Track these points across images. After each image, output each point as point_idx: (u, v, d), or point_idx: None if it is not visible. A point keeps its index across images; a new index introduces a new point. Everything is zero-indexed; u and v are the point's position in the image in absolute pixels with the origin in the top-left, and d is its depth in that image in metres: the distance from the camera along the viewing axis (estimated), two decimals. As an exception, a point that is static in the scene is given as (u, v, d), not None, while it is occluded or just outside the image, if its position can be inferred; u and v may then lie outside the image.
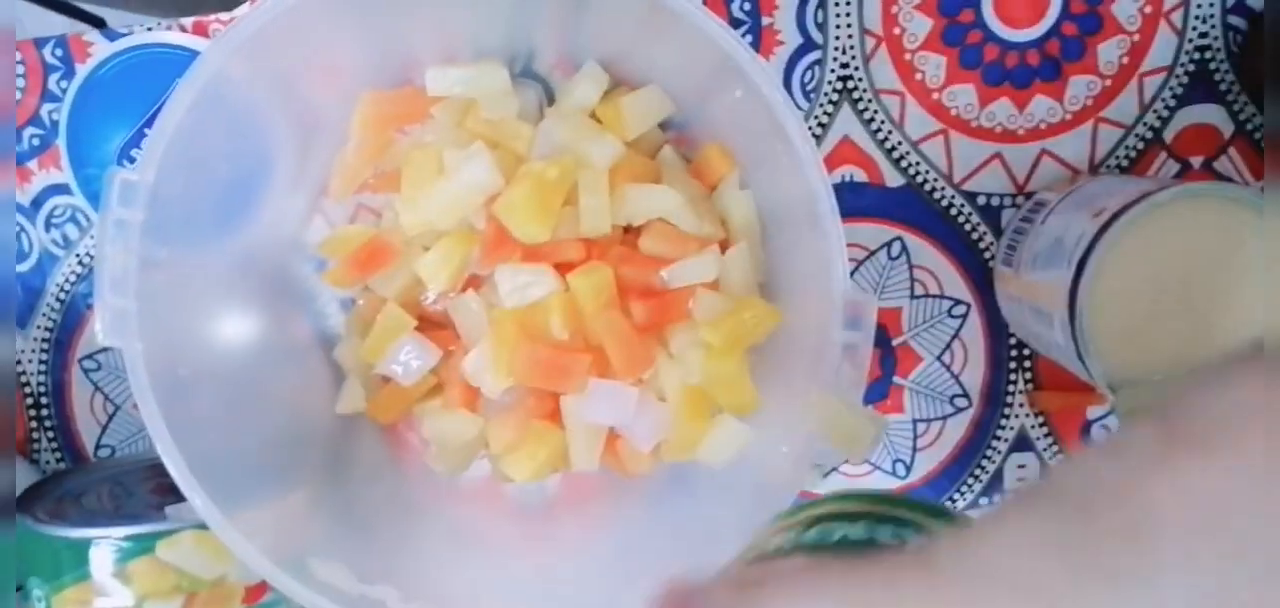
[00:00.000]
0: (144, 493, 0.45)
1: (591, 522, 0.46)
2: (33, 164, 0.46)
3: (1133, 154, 0.46)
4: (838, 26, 0.45)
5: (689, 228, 0.41)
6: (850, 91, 0.45)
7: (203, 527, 0.36)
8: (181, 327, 0.39)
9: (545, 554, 0.45)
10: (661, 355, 0.41)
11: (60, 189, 0.46)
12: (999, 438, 0.48)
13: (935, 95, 0.45)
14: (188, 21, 0.45)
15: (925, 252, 0.47)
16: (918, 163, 0.46)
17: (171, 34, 0.45)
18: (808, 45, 0.45)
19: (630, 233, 0.43)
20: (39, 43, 0.46)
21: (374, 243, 0.44)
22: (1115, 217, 0.37)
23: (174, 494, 0.37)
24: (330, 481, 0.44)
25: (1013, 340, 0.47)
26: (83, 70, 0.45)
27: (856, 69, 0.45)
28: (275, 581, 0.37)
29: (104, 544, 0.38)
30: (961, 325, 0.47)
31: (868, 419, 0.33)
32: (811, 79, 0.46)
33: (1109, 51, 0.45)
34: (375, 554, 0.41)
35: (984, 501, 0.48)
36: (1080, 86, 0.45)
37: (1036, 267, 0.41)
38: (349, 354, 0.45)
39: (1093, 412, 0.47)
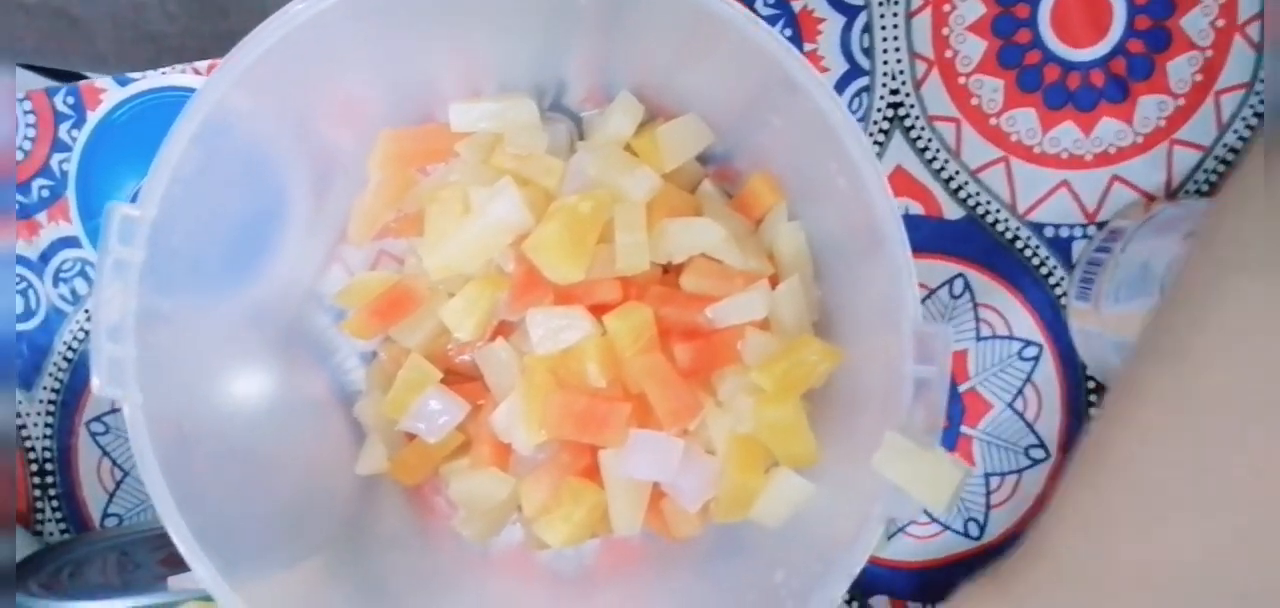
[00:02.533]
0: (152, 565, 0.42)
1: (634, 592, 0.42)
2: (41, 216, 0.44)
3: (1213, 177, 0.42)
4: (886, 51, 0.42)
5: (734, 263, 0.38)
6: (902, 119, 0.42)
7: (208, 599, 0.33)
8: (187, 383, 0.36)
9: (583, 628, 0.41)
10: (708, 403, 0.38)
11: (69, 242, 0.44)
12: (1079, 492, 0.43)
13: (993, 121, 0.42)
14: (203, 64, 0.43)
15: (990, 289, 0.43)
16: (978, 193, 0.43)
17: (185, 76, 0.43)
18: (854, 71, 0.42)
19: (670, 272, 0.40)
20: (50, 91, 0.44)
21: (396, 290, 0.41)
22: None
23: (183, 566, 0.34)
24: (349, 548, 0.40)
25: (1091, 383, 0.43)
26: (93, 117, 0.43)
27: (908, 95, 0.42)
28: (286, 659, 0.33)
29: (100, 621, 0.35)
30: (1034, 368, 0.43)
31: (950, 463, 0.30)
32: (859, 106, 0.43)
33: (1180, 69, 0.41)
34: (397, 629, 0.37)
35: (1065, 562, 0.44)
36: (1151, 107, 0.42)
37: (1120, 298, 0.37)
38: (370, 410, 0.42)
39: (1183, 461, 0.43)
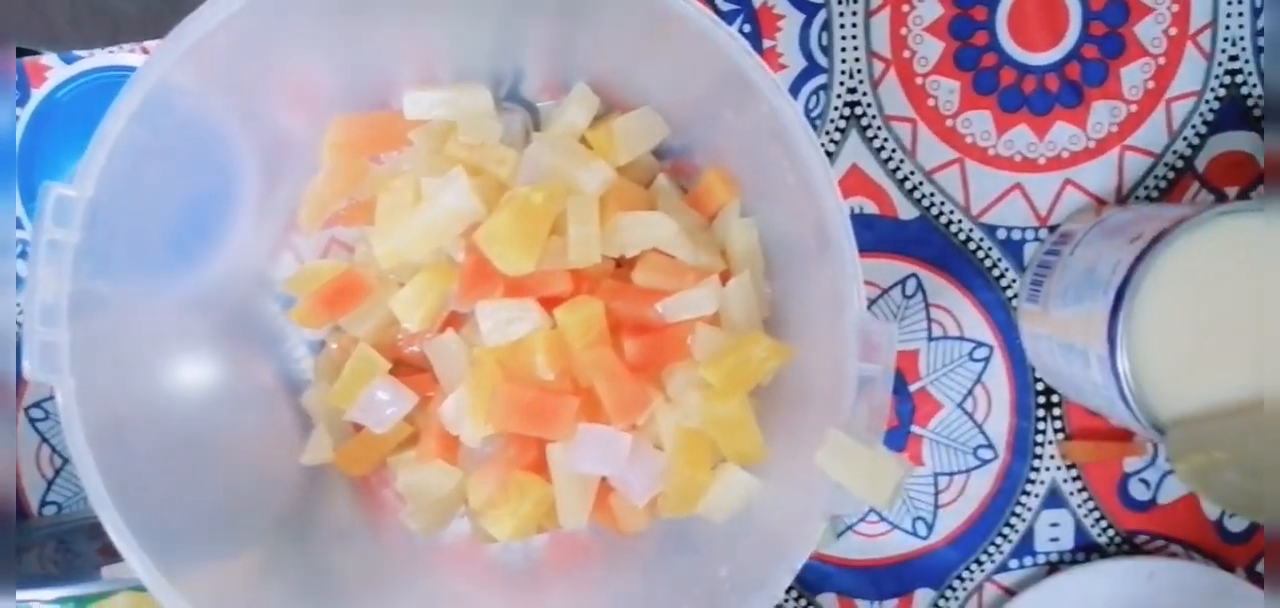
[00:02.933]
0: (90, 554, 0.41)
1: (581, 587, 0.42)
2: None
3: (1163, 183, 0.42)
4: (844, 50, 0.42)
5: (686, 258, 0.38)
6: (858, 118, 0.42)
7: (141, 589, 0.32)
8: (127, 368, 0.36)
9: (530, 623, 0.41)
10: (657, 398, 0.37)
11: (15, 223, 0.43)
12: (1029, 493, 0.44)
13: (949, 122, 0.42)
14: (153, 43, 0.42)
15: (943, 289, 0.43)
16: (932, 194, 0.43)
17: (135, 56, 0.42)
18: (812, 69, 0.42)
19: (622, 267, 0.40)
20: (-7, 68, 0.43)
21: (345, 278, 0.40)
22: (1155, 241, 0.33)
23: (120, 555, 0.33)
24: (293, 540, 0.40)
25: (1040, 385, 0.43)
26: (37, 95, 0.42)
27: (865, 94, 0.42)
28: (221, 651, 0.32)
29: (31, 609, 0.34)
30: (984, 369, 0.43)
31: (891, 462, 0.30)
32: (817, 105, 0.43)
33: (1133, 75, 0.42)
34: (339, 622, 0.37)
35: (1014, 563, 0.44)
36: (1104, 112, 0.42)
37: (1067, 301, 0.38)
38: (317, 400, 0.41)
39: (1130, 464, 0.44)
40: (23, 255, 0.43)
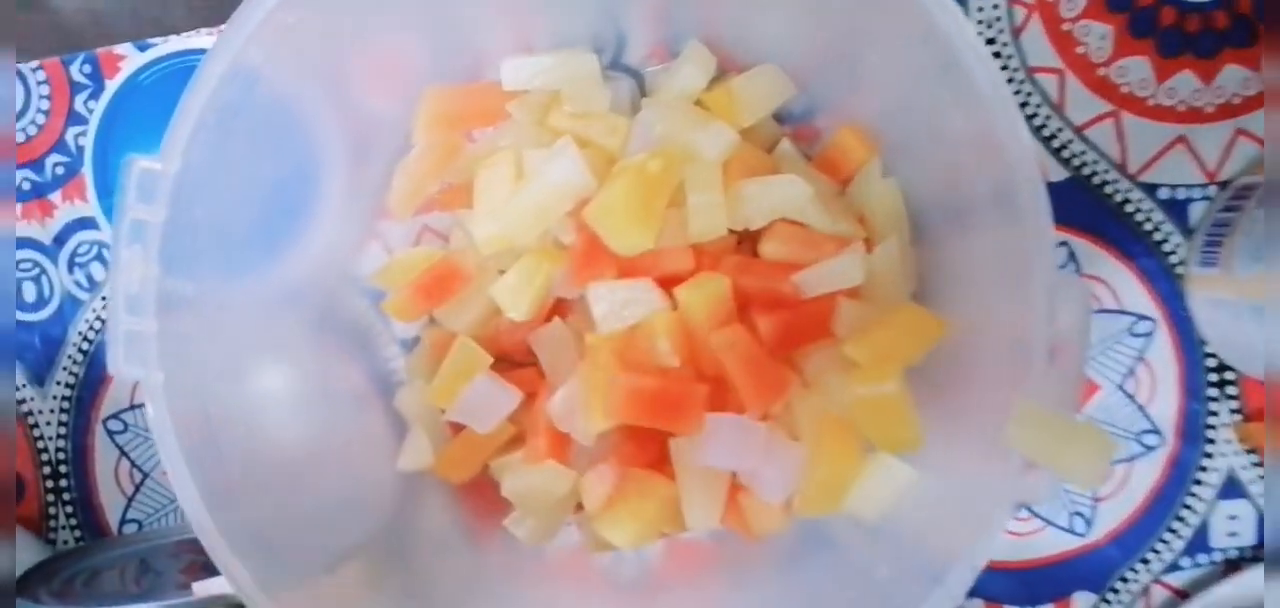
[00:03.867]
0: (173, 573, 0.38)
1: (705, 599, 0.38)
2: (56, 196, 0.41)
3: (1351, 128, 0.37)
4: (978, -4, 0.38)
5: (822, 226, 0.34)
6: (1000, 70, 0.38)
7: (236, 606, 0.29)
8: (214, 370, 0.33)
9: (650, 639, 0.37)
10: (794, 383, 0.33)
11: (85, 223, 0.41)
12: (1202, 483, 0.39)
13: (1101, 71, 0.38)
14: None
15: (1098, 258, 0.39)
16: (1083, 153, 0.38)
17: (211, 38, 0.39)
18: (945, 18, 0.38)
19: (745, 243, 0.36)
20: (66, 60, 0.40)
21: (441, 267, 0.37)
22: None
23: (207, 573, 0.30)
24: (391, 551, 0.36)
25: (1212, 362, 0.39)
26: (112, 86, 0.40)
27: (1006, 45, 0.38)
28: (326, 674, 0.29)
29: (118, 632, 0.31)
30: (1147, 345, 0.39)
31: (1097, 435, 0.25)
32: (950, 59, 0.38)
33: (1313, 7, 0.37)
34: (447, 640, 0.33)
35: (1187, 561, 0.39)
36: (1280, 50, 0.37)
37: (1262, 256, 0.33)
38: (413, 401, 0.38)
39: (1320, 446, 0.38)
40: (98, 257, 0.41)
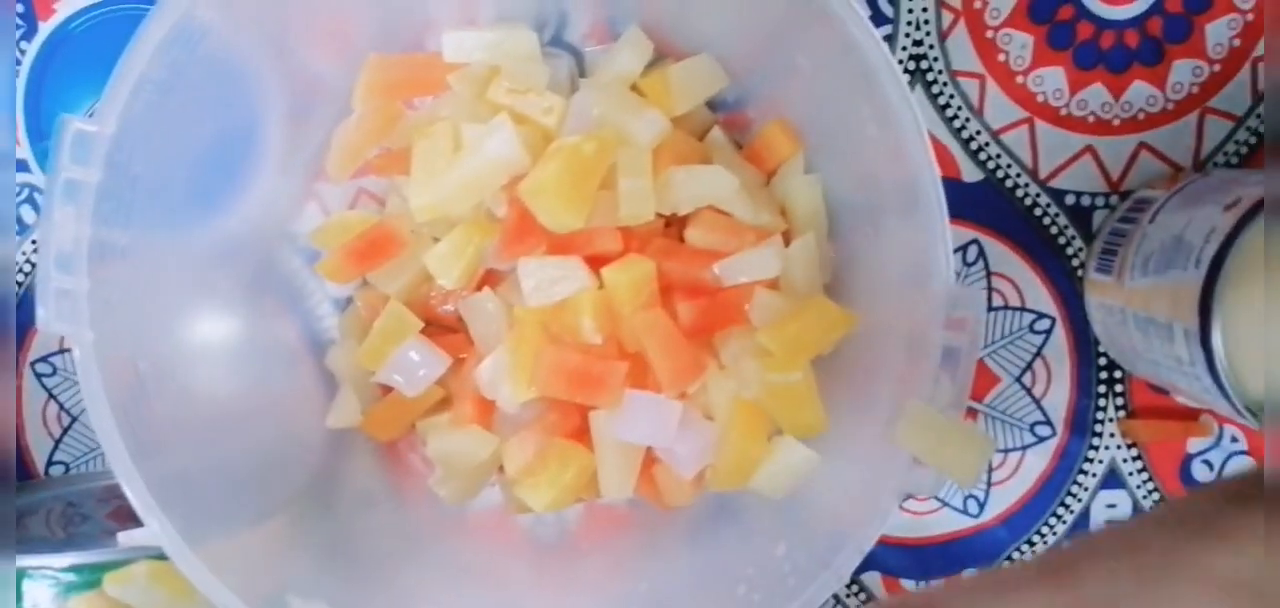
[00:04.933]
0: (100, 519, 0.38)
1: (619, 563, 0.40)
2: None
3: (1244, 150, 0.40)
4: (910, -1, 0.40)
5: (746, 216, 0.35)
6: (923, 72, 0.40)
7: (161, 557, 0.30)
8: (145, 323, 0.33)
9: (564, 598, 0.39)
10: (711, 366, 0.35)
11: (18, 165, 0.40)
12: (1086, 472, 0.42)
13: (1020, 79, 0.40)
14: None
15: (1005, 257, 0.41)
16: (999, 156, 0.40)
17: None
18: (877, 19, 0.40)
19: (673, 226, 0.37)
20: (-3, -3, 0.40)
21: (377, 231, 0.38)
22: (1257, 208, 0.31)
23: (134, 522, 0.31)
24: (317, 506, 0.37)
25: (1103, 361, 0.41)
26: (46, 28, 0.40)
27: (931, 47, 0.40)
28: (248, 624, 0.30)
29: (40, 577, 0.32)
30: (1045, 342, 0.41)
31: (978, 437, 0.28)
32: (878, 58, 0.40)
33: (1218, 32, 0.39)
34: (367, 593, 0.35)
35: (1067, 543, 0.42)
36: (1185, 72, 0.40)
37: (1148, 271, 0.35)
38: (343, 360, 0.39)
39: (1194, 444, 0.42)
40: (29, 202, 0.41)
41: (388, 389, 0.39)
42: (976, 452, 0.28)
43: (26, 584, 0.32)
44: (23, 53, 0.40)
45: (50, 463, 0.42)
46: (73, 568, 0.32)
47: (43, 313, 0.28)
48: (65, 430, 0.42)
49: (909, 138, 0.28)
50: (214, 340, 0.37)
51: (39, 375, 0.41)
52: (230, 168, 0.37)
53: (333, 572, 0.35)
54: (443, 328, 0.39)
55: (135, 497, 0.29)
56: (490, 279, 0.38)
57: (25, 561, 0.32)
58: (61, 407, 0.41)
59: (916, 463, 0.29)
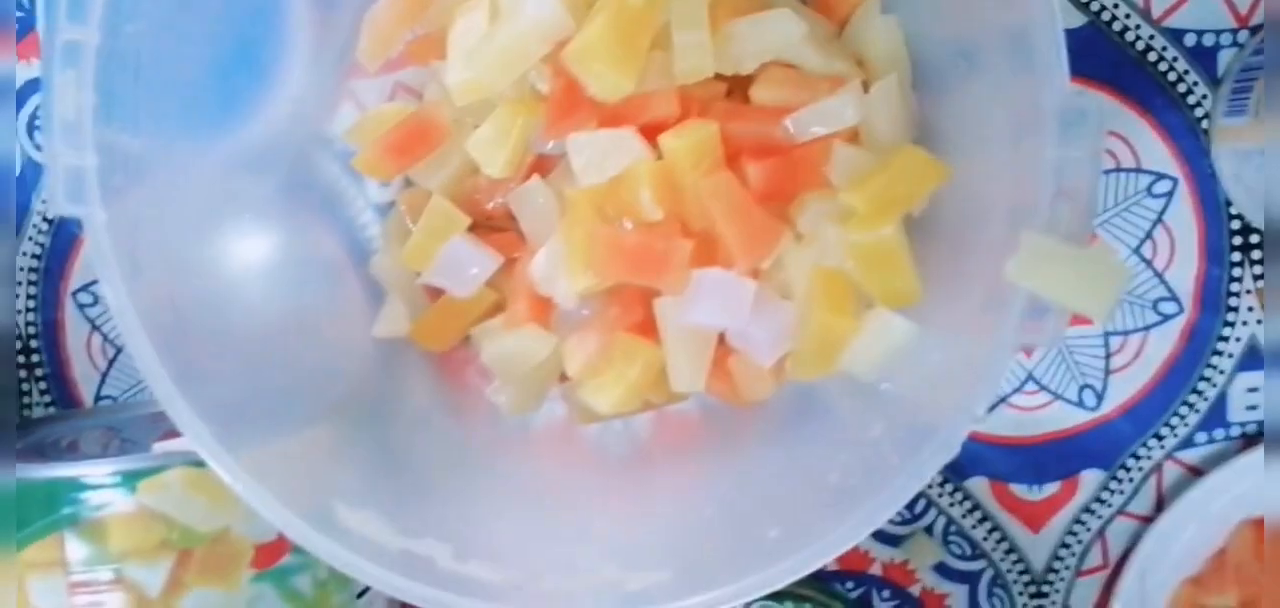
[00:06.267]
0: (147, 444, 0.36)
1: (693, 471, 0.36)
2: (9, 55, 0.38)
3: (1397, -35, 0.34)
4: None
5: (817, 68, 0.31)
6: (1012, -93, 0.35)
7: (199, 464, 0.28)
8: (173, 239, 0.31)
9: (635, 511, 0.35)
10: (787, 236, 0.31)
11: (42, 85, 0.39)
12: (1221, 353, 0.37)
13: (1124, -96, 0.35)
14: None
15: (1115, 112, 0.36)
16: (1103, -4, 0.36)
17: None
18: None
19: (737, 89, 0.33)
20: (18, -95, 0.38)
21: (415, 121, 0.35)
22: None
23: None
24: (367, 422, 0.35)
25: (1237, 225, 0.36)
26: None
27: (1020, -124, 0.35)
28: (291, 530, 0.28)
29: (82, 487, 0.30)
30: (1166, 207, 0.36)
31: (1110, 262, 0.23)
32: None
33: None
34: (422, 506, 0.32)
35: (1202, 436, 0.37)
36: (1322, -120, 0.34)
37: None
38: (388, 266, 0.37)
39: (1349, 312, 0.36)
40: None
41: (437, 296, 0.36)
42: (1110, 277, 0.23)
43: (72, 496, 0.30)
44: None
45: (98, 397, 0.40)
46: (113, 475, 0.30)
47: (52, 194, 0.26)
48: (111, 362, 0.40)
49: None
50: (247, 254, 0.35)
51: (81, 306, 0.40)
52: (255, 67, 0.34)
53: (384, 486, 0.33)
54: (492, 228, 0.36)
55: (161, 393, 0.27)
56: (539, 167, 0.35)
57: (59, 470, 0.30)
58: (105, 338, 0.40)
59: (1034, 313, 0.25)
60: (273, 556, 0.32)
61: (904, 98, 0.31)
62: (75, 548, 0.30)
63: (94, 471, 0.30)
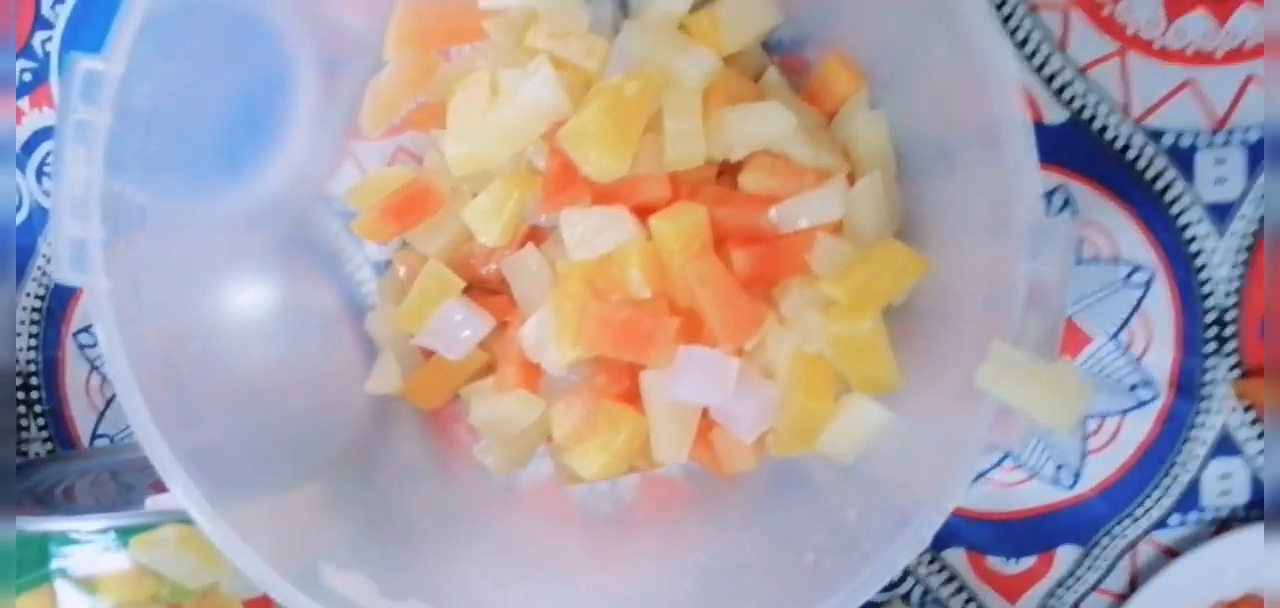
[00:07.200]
0: (143, 489, 0.37)
1: (676, 535, 0.37)
2: (24, 103, 0.40)
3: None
4: (983, -77, 0.36)
5: (804, 158, 0.32)
6: (998, 7, 0.36)
7: (189, 521, 0.29)
8: (173, 289, 0.32)
9: (618, 573, 0.36)
10: (770, 320, 0.32)
11: (53, 132, 0.40)
12: (1194, 438, 0.38)
13: (1108, 9, 0.36)
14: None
15: (1096, 204, 0.37)
16: (1085, 93, 0.37)
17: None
18: (946, -55, 0.36)
19: (725, 176, 0.35)
20: (34, -42, 0.39)
21: (414, 187, 0.36)
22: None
23: (171, 490, 0.29)
24: (356, 476, 0.36)
25: (1211, 316, 0.37)
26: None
27: (1008, -26, 0.36)
28: (276, 592, 0.28)
29: (73, 542, 0.30)
30: (1144, 296, 0.37)
31: (1073, 379, 0.24)
32: (950, -12, 0.37)
33: (1337, -56, 0.35)
34: (407, 566, 0.33)
35: (1176, 518, 0.38)
36: (1299, -10, 0.35)
37: None
38: (383, 324, 0.37)
39: (1318, 407, 0.37)
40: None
41: (429, 355, 0.37)
42: (1073, 395, 0.24)
43: (64, 549, 0.31)
44: (57, 15, 0.39)
45: (94, 436, 0.41)
46: (104, 531, 0.31)
47: (57, 263, 0.27)
48: (108, 403, 0.41)
49: (986, 57, 0.25)
50: (246, 307, 0.36)
51: (82, 346, 0.41)
52: (260, 126, 0.35)
53: (372, 544, 0.33)
54: (486, 291, 0.37)
55: (154, 453, 0.28)
56: (534, 236, 0.36)
57: (52, 524, 0.31)
58: (104, 378, 0.41)
59: (1002, 415, 0.26)
60: (260, 613, 0.33)
61: (887, 192, 0.32)
62: (68, 600, 0.30)
63: (88, 525, 0.31)
